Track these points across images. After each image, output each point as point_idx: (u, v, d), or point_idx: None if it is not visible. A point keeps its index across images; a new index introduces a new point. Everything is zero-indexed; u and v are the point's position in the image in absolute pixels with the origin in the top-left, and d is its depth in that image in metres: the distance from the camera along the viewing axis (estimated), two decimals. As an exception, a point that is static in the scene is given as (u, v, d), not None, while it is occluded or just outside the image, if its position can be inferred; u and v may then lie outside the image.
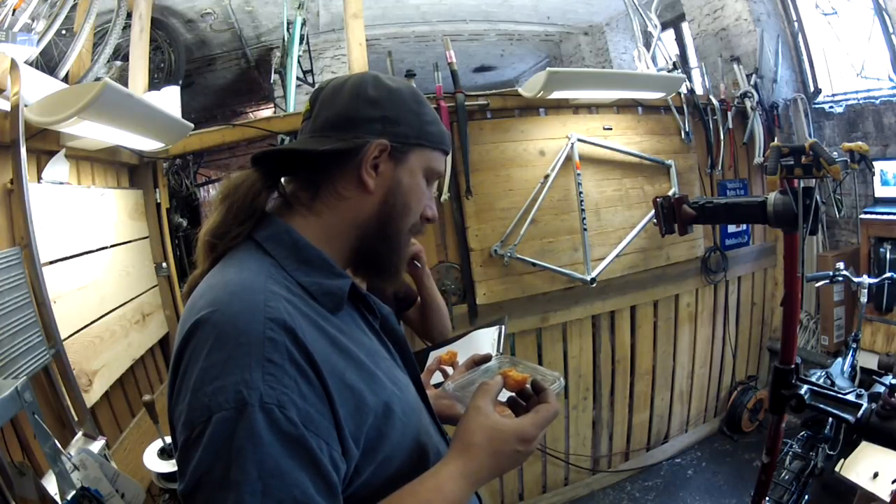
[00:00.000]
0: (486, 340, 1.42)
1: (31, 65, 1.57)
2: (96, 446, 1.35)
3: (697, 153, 3.06)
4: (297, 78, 3.32)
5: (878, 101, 3.06)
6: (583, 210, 2.58)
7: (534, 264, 2.50)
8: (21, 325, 1.24)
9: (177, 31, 3.67)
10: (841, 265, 2.26)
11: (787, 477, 2.06)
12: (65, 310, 1.41)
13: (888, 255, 2.91)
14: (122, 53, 2.41)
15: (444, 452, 0.67)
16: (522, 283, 2.58)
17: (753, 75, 3.28)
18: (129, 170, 2.11)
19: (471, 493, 0.62)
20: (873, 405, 1.19)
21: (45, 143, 1.50)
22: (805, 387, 1.31)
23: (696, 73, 4.19)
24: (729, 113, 3.12)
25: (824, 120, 3.40)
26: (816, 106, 3.43)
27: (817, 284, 2.56)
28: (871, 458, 1.83)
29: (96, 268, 1.65)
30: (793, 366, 1.35)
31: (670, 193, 2.77)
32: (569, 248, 2.65)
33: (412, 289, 1.59)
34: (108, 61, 2.35)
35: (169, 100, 2.14)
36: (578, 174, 2.59)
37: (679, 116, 2.94)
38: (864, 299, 2.36)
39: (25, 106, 1.34)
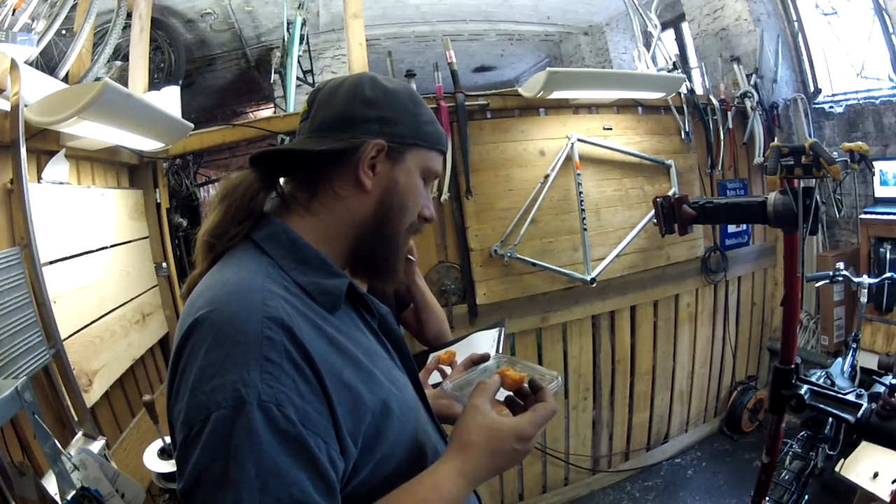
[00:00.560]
0: (485, 342, 1.42)
1: (31, 65, 1.57)
2: (96, 446, 1.35)
3: (697, 153, 3.06)
4: (297, 78, 3.32)
5: (878, 101, 3.06)
6: (583, 210, 2.58)
7: (534, 264, 2.50)
8: (21, 325, 1.24)
9: (177, 31, 3.67)
10: (841, 265, 2.26)
11: (787, 477, 2.06)
12: (65, 310, 1.41)
13: (888, 255, 2.90)
14: (122, 53, 2.42)
15: (442, 451, 0.67)
16: (522, 283, 2.58)
17: (753, 75, 3.27)
18: (129, 170, 2.11)
19: (468, 492, 0.62)
20: (873, 405, 1.19)
21: (45, 143, 1.50)
22: (805, 387, 1.31)
23: (696, 73, 4.19)
24: (729, 113, 3.12)
25: (824, 120, 3.40)
26: (816, 106, 3.43)
27: (817, 284, 2.56)
28: (871, 458, 1.83)
29: (96, 268, 1.65)
30: (793, 366, 1.35)
31: (670, 193, 2.77)
32: (569, 248, 2.65)
33: (405, 291, 1.59)
34: (108, 61, 2.35)
35: (169, 100, 2.14)
36: (578, 174, 2.59)
37: (679, 116, 2.94)
38: (864, 299, 2.36)
39: (25, 106, 1.34)
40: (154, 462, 1.45)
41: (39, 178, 1.48)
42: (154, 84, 2.60)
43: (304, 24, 3.34)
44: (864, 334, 2.71)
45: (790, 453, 2.15)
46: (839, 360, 2.17)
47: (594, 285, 2.52)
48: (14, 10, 1.58)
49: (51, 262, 1.40)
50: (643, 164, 2.83)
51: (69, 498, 1.16)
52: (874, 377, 1.42)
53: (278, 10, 3.83)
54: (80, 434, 1.37)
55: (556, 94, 2.40)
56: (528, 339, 2.70)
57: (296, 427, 0.52)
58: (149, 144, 1.82)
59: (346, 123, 0.68)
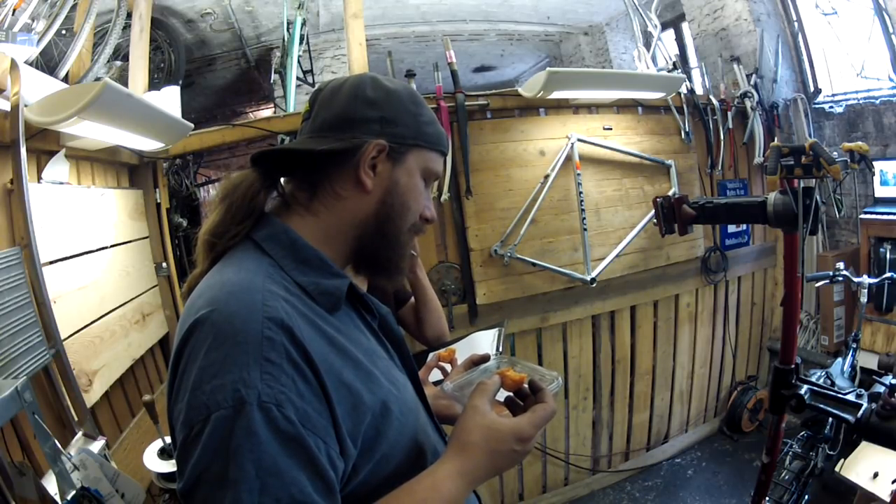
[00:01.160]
0: (485, 342, 1.42)
1: (31, 65, 1.57)
2: (96, 446, 1.35)
3: (697, 153, 3.06)
4: (297, 78, 3.32)
5: (878, 101, 3.06)
6: (583, 210, 2.58)
7: (534, 264, 2.50)
8: (21, 325, 1.24)
9: (177, 31, 3.67)
10: (841, 265, 2.26)
11: (787, 477, 2.06)
12: (65, 310, 1.41)
13: (888, 255, 2.91)
14: (122, 53, 2.42)
15: (441, 452, 0.67)
16: (522, 283, 2.58)
17: (753, 75, 3.28)
18: (129, 170, 2.11)
19: (468, 493, 0.62)
20: (873, 405, 1.19)
21: (45, 143, 1.50)
22: (805, 387, 1.31)
23: (696, 73, 4.19)
24: (729, 113, 3.12)
25: (824, 120, 3.40)
26: (816, 106, 3.43)
27: (817, 284, 2.56)
28: (871, 458, 1.83)
29: (96, 268, 1.65)
30: (793, 366, 1.35)
31: (670, 193, 2.77)
32: (569, 248, 2.65)
33: (405, 288, 1.59)
34: (108, 61, 2.35)
35: (169, 100, 2.14)
36: (578, 174, 2.59)
37: (679, 116, 2.94)
38: (864, 299, 2.36)
39: (25, 106, 1.34)
40: (154, 462, 1.45)
41: (39, 178, 1.48)
42: (154, 84, 2.60)
43: (304, 24, 3.34)
44: (864, 334, 2.71)
45: (790, 453, 2.15)
46: (839, 360, 2.17)
47: (594, 285, 2.52)
48: (14, 10, 1.58)
49: (51, 262, 1.40)
50: (643, 164, 2.83)
51: (69, 498, 1.16)
52: (874, 377, 1.41)
53: (278, 10, 3.82)
54: (80, 434, 1.37)
55: (556, 94, 2.40)
56: (528, 339, 2.70)
57: (295, 427, 0.52)
58: (149, 144, 1.82)
59: (348, 123, 0.68)
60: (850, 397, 1.24)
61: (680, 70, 3.16)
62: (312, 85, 3.56)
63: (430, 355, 1.27)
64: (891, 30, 2.89)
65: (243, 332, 0.54)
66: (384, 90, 0.70)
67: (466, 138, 2.42)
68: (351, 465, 0.58)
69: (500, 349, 1.37)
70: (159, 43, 3.38)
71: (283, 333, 0.55)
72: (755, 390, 3.22)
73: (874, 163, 2.87)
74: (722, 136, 3.09)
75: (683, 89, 2.93)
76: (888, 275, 2.35)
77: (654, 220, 1.57)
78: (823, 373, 1.83)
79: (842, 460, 1.91)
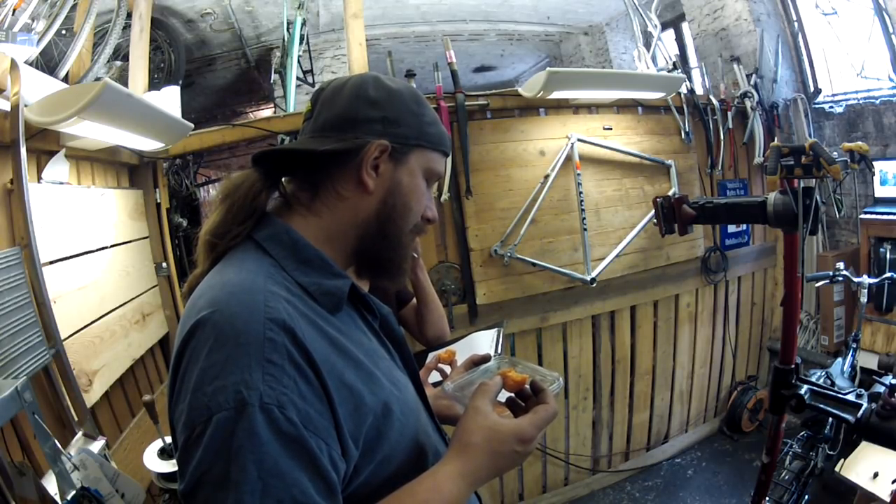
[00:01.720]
0: (484, 342, 1.42)
1: (31, 65, 1.57)
2: (96, 446, 1.35)
3: (697, 153, 3.06)
4: (297, 78, 3.32)
5: (878, 101, 3.06)
6: (583, 210, 2.58)
7: (534, 264, 2.50)
8: (21, 325, 1.24)
9: (177, 31, 3.67)
10: (841, 265, 2.26)
11: (787, 477, 2.06)
12: (65, 310, 1.41)
13: (888, 255, 2.91)
14: (122, 53, 2.41)
15: (442, 452, 0.67)
16: (522, 283, 2.58)
17: (753, 75, 3.28)
18: (129, 170, 2.11)
19: (469, 494, 0.62)
20: (873, 405, 1.19)
21: (45, 143, 1.50)
22: (805, 387, 1.31)
23: (696, 73, 4.19)
24: (729, 113, 3.12)
25: (824, 120, 3.40)
26: (816, 106, 3.43)
27: (817, 284, 2.56)
28: (871, 458, 1.83)
29: (96, 268, 1.65)
30: (793, 366, 1.35)
31: (670, 193, 2.77)
32: (569, 248, 2.65)
33: (406, 288, 1.59)
34: (108, 61, 2.35)
35: (169, 100, 2.14)
36: (578, 174, 2.59)
37: (679, 116, 2.94)
38: (864, 299, 2.36)
39: (25, 106, 1.34)
40: (154, 462, 1.45)
41: (39, 178, 1.48)
42: (154, 84, 2.60)
43: (304, 24, 3.34)
44: (864, 334, 2.71)
45: (790, 453, 2.15)
46: (839, 360, 2.17)
47: (594, 285, 2.52)
48: (14, 10, 1.58)
49: (51, 262, 1.40)
50: (643, 164, 2.83)
51: (69, 498, 1.15)
52: (874, 377, 1.42)
53: (278, 10, 3.82)
54: (80, 434, 1.37)
55: (556, 94, 2.40)
56: (528, 339, 2.70)
57: (297, 429, 0.52)
58: (149, 144, 1.82)
59: (350, 123, 0.68)
60: (850, 397, 1.24)
61: (680, 70, 3.16)
62: (312, 85, 3.56)
63: (430, 356, 1.27)
64: (891, 30, 2.89)
65: (245, 333, 0.53)
66: (386, 90, 0.70)
67: (466, 138, 2.42)
68: (352, 466, 0.58)
69: (500, 349, 1.37)
70: (159, 43, 3.37)
71: (284, 334, 0.55)
72: (755, 390, 3.22)
73: (874, 163, 2.87)
74: (722, 136, 3.09)
75: (683, 89, 2.93)
76: (888, 275, 2.35)
77: (654, 220, 1.57)
78: (823, 373, 1.83)
79: (842, 460, 1.91)
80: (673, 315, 3.05)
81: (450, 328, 1.68)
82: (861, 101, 3.16)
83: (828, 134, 3.38)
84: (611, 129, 2.79)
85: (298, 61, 3.31)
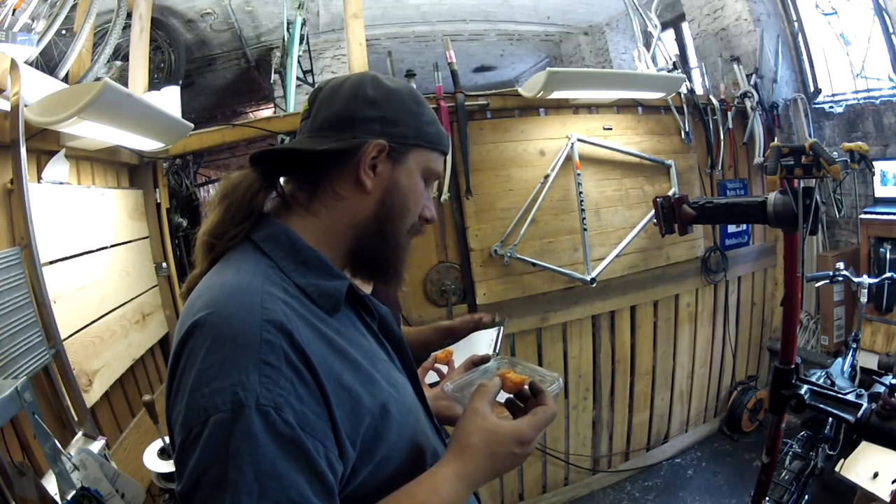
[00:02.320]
0: (483, 341, 1.42)
1: (31, 65, 1.57)
2: (96, 446, 1.35)
3: (697, 153, 3.05)
4: (297, 78, 3.32)
5: (878, 101, 3.06)
6: (583, 210, 2.58)
7: (534, 264, 2.50)
8: (21, 325, 1.24)
9: (177, 31, 3.67)
10: (841, 265, 2.25)
11: (787, 477, 2.06)
12: (65, 310, 1.41)
13: (888, 255, 2.90)
14: (122, 53, 2.42)
15: (441, 453, 0.67)
16: (522, 283, 2.58)
17: (753, 75, 3.27)
18: (129, 170, 2.11)
19: (467, 495, 0.62)
20: (873, 405, 1.19)
21: (45, 143, 1.50)
22: (805, 387, 1.31)
23: (696, 73, 4.19)
24: (729, 113, 3.12)
25: (824, 120, 3.39)
26: (816, 106, 3.43)
27: (817, 284, 2.56)
28: (871, 458, 1.83)
29: (96, 268, 1.65)
30: (793, 366, 1.35)
31: (670, 193, 2.76)
32: (569, 248, 2.65)
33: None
34: (108, 61, 2.35)
35: (169, 100, 2.14)
36: (578, 174, 2.59)
37: (679, 116, 2.94)
38: (864, 299, 2.36)
39: (25, 106, 1.34)
40: (154, 462, 1.45)
41: (39, 178, 1.48)
42: (154, 84, 2.60)
43: (304, 24, 3.34)
44: (864, 334, 2.71)
45: (790, 453, 2.15)
46: (839, 360, 2.17)
47: (594, 285, 2.52)
48: (14, 10, 1.58)
49: (51, 262, 1.40)
50: (643, 164, 2.83)
51: (69, 498, 1.16)
52: (874, 377, 1.41)
53: (278, 10, 3.82)
54: (80, 434, 1.37)
55: (556, 94, 2.40)
56: (528, 339, 2.70)
57: (294, 430, 0.52)
58: (149, 144, 1.82)
59: (348, 123, 0.68)
60: (850, 397, 1.24)
61: (680, 70, 3.16)
62: (312, 85, 3.56)
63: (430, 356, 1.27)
64: (891, 30, 2.89)
65: (242, 334, 0.53)
66: (385, 89, 0.70)
67: (466, 138, 2.42)
68: (350, 468, 0.58)
69: (499, 349, 1.36)
70: (159, 43, 3.37)
71: (281, 336, 0.54)
72: (755, 390, 3.22)
73: (874, 163, 2.87)
74: (722, 136, 3.09)
75: (683, 89, 2.93)
76: (888, 275, 2.34)
77: (654, 220, 1.57)
78: (823, 373, 1.83)
79: (842, 460, 1.91)
80: (673, 315, 3.05)
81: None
82: (861, 101, 3.16)
83: (828, 134, 3.38)
84: (611, 129, 2.78)
85: (298, 61, 3.31)
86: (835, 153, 1.30)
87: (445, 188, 2.41)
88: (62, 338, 1.36)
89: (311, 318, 0.60)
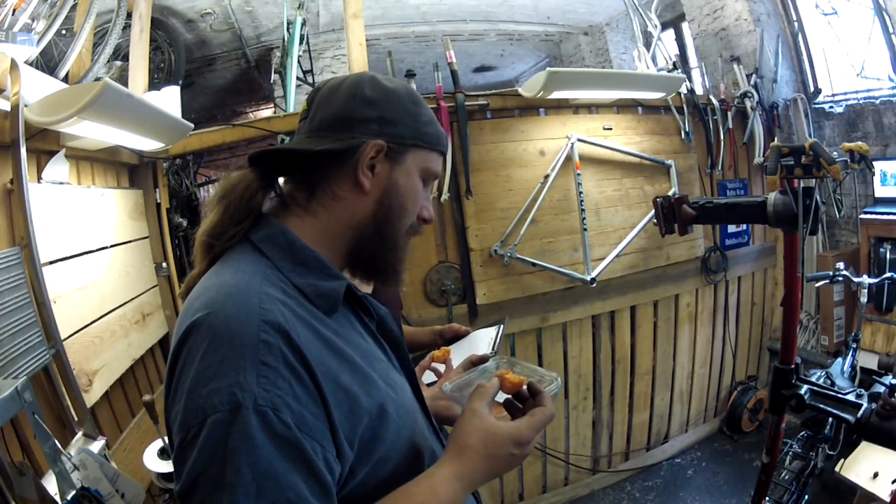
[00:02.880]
0: (483, 340, 1.42)
1: (31, 65, 1.57)
2: (96, 446, 1.36)
3: (697, 153, 3.05)
4: (297, 78, 3.32)
5: (878, 101, 3.06)
6: (583, 210, 2.58)
7: (534, 264, 2.50)
8: (21, 325, 1.24)
9: (177, 31, 3.67)
10: (841, 265, 2.25)
11: (787, 477, 2.06)
12: (65, 310, 1.42)
13: (888, 255, 2.90)
14: (122, 53, 2.42)
15: (439, 453, 0.67)
16: (522, 283, 2.58)
17: (753, 75, 3.27)
18: (129, 170, 2.11)
19: (466, 496, 0.62)
20: (873, 405, 1.19)
21: (45, 143, 1.50)
22: (805, 387, 1.31)
23: (696, 73, 4.19)
24: (729, 113, 3.12)
25: (824, 120, 3.39)
26: (816, 106, 3.43)
27: (817, 284, 2.56)
28: (871, 458, 1.83)
29: (96, 268, 1.65)
30: (793, 366, 1.35)
31: (670, 193, 2.76)
32: (569, 248, 2.65)
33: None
34: (108, 61, 2.35)
35: (169, 100, 2.14)
36: (578, 174, 2.59)
37: (679, 116, 2.94)
38: (864, 299, 2.35)
39: (25, 106, 1.34)
40: (154, 462, 1.45)
41: (39, 178, 1.48)
42: (154, 84, 2.60)
43: (304, 24, 3.34)
44: (864, 334, 2.71)
45: (790, 453, 2.15)
46: (839, 360, 2.17)
47: (594, 285, 2.52)
48: (14, 10, 1.58)
49: (51, 262, 1.41)
50: (643, 164, 2.83)
51: (69, 498, 1.16)
52: (874, 377, 1.41)
53: (278, 10, 3.82)
54: (80, 434, 1.37)
55: (556, 94, 2.40)
56: (528, 339, 2.70)
57: (292, 431, 0.52)
58: (149, 144, 1.82)
59: (346, 123, 0.68)
60: (850, 397, 1.24)
61: (680, 70, 3.16)
62: (312, 85, 3.56)
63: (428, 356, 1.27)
64: (891, 30, 2.89)
65: (240, 335, 0.54)
66: (383, 90, 0.70)
67: (466, 138, 2.42)
68: (348, 468, 0.58)
69: (498, 349, 1.36)
70: (159, 43, 3.37)
71: (279, 337, 0.54)
72: (755, 390, 3.22)
73: (874, 163, 2.87)
74: (722, 136, 3.09)
75: (683, 89, 2.92)
76: (888, 275, 2.34)
77: (654, 220, 1.57)
78: (823, 373, 1.83)
79: (842, 460, 1.91)
80: (673, 315, 3.04)
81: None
82: (861, 101, 3.16)
83: (828, 134, 3.38)
84: (611, 129, 2.78)
85: (298, 61, 3.32)
86: (835, 153, 1.30)
87: (445, 188, 2.41)
88: (62, 338, 1.36)
89: (309, 318, 0.60)
